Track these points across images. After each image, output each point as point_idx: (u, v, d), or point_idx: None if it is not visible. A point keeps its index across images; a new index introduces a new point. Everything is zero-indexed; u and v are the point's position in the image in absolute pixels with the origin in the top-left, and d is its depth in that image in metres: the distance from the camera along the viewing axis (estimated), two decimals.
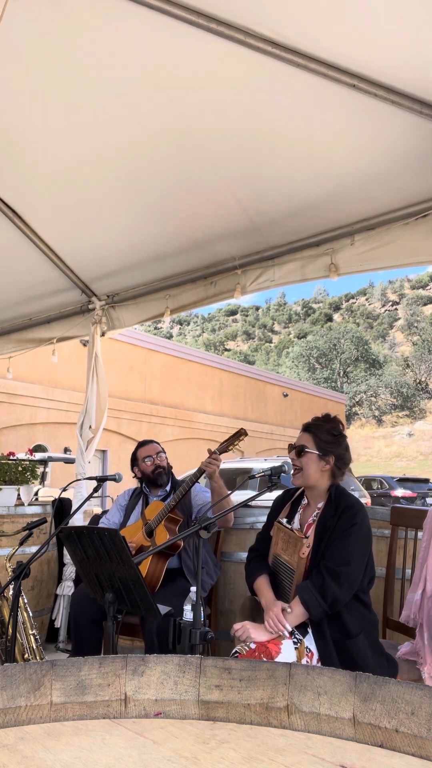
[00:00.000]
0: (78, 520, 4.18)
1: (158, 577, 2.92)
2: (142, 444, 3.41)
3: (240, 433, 2.83)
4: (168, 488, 3.32)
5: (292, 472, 2.37)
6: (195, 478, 2.97)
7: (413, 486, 18.47)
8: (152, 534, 3.04)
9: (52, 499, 4.33)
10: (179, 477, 3.60)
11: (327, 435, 2.33)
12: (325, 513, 2.27)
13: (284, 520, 2.39)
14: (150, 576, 2.90)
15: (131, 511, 3.33)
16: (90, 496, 3.00)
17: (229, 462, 12.95)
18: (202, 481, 3.13)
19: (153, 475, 3.27)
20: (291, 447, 2.38)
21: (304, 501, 2.42)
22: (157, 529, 3.02)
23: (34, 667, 1.04)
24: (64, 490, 3.15)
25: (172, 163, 3.11)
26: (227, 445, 2.86)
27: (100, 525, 3.38)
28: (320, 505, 2.32)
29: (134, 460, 3.37)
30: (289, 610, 2.12)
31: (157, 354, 20.67)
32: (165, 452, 3.40)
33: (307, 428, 2.38)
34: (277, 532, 2.38)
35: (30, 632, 2.76)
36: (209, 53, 2.42)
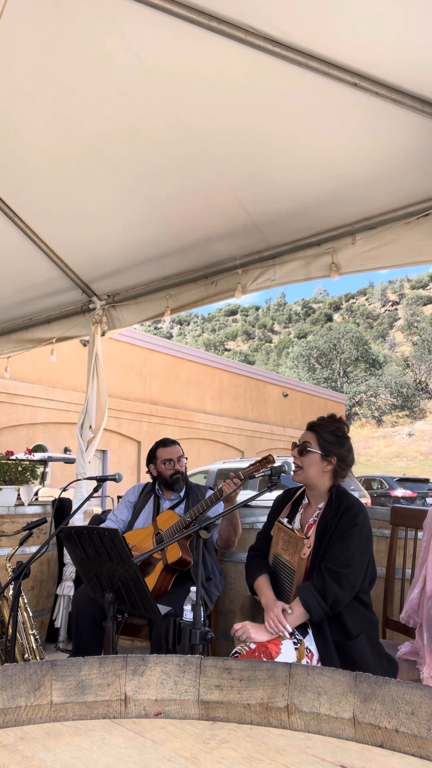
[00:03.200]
0: (78, 520, 4.18)
1: (164, 591, 2.90)
2: (163, 444, 3.28)
3: (267, 460, 2.68)
4: (182, 493, 3.25)
5: (293, 470, 2.37)
6: (215, 498, 2.88)
7: (413, 486, 18.46)
8: (161, 543, 2.97)
9: (52, 499, 4.33)
10: None
11: (330, 435, 2.32)
12: (325, 513, 2.27)
13: (285, 520, 2.38)
14: (156, 590, 2.87)
15: (140, 510, 3.26)
16: (90, 496, 2.99)
17: (229, 462, 12.96)
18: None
19: (171, 480, 3.20)
20: (294, 445, 2.38)
21: (305, 501, 2.42)
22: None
23: (34, 667, 1.04)
24: (64, 490, 3.15)
25: (172, 162, 3.11)
26: (252, 471, 2.71)
27: (107, 521, 3.34)
28: (321, 505, 2.32)
29: (152, 458, 3.27)
30: (289, 610, 2.12)
31: (157, 354, 20.68)
32: (186, 456, 3.29)
33: (311, 427, 2.37)
34: (277, 532, 2.37)
35: (30, 632, 2.76)
36: (210, 51, 2.42)
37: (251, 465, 2.74)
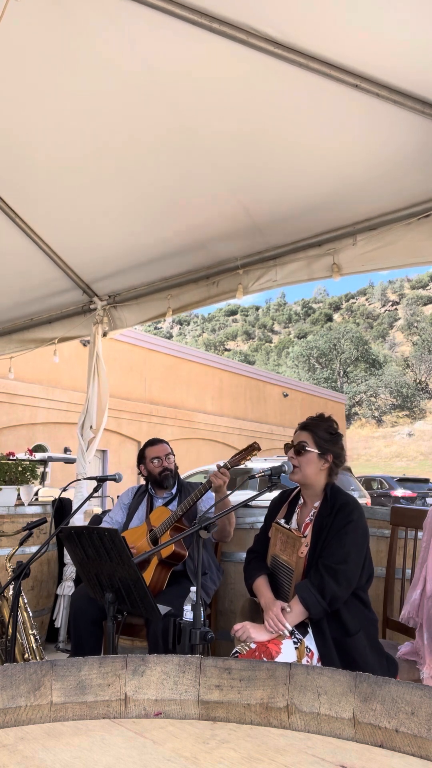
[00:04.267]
0: (78, 520, 4.18)
1: (161, 586, 2.91)
2: (151, 443, 3.34)
3: (252, 448, 2.74)
4: (174, 491, 3.28)
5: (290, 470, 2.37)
6: (204, 490, 2.92)
7: (413, 486, 18.45)
8: (157, 542, 3.00)
9: (52, 499, 4.33)
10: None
11: (325, 433, 2.35)
12: (321, 512, 2.27)
13: (282, 521, 2.39)
14: (153, 585, 2.87)
15: (134, 511, 3.29)
16: (90, 496, 2.99)
17: None
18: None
19: (160, 477, 3.23)
20: (289, 446, 2.38)
21: (301, 501, 2.42)
22: (162, 538, 2.98)
23: (34, 667, 1.04)
24: (64, 490, 3.15)
25: (174, 163, 3.11)
26: (239, 459, 2.77)
27: (103, 523, 3.36)
28: (317, 504, 2.33)
29: (141, 458, 3.32)
30: (288, 609, 2.12)
31: (157, 354, 20.67)
32: (174, 453, 3.34)
33: (305, 427, 2.39)
34: (275, 533, 2.38)
35: (30, 632, 2.76)
36: (212, 53, 2.42)
37: (237, 454, 2.78)
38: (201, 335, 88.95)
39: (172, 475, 3.26)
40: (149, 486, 3.35)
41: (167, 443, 3.35)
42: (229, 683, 1.05)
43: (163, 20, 2.30)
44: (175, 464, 3.32)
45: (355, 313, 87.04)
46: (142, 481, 3.43)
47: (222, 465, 2.83)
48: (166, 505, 3.22)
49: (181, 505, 2.99)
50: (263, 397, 25.76)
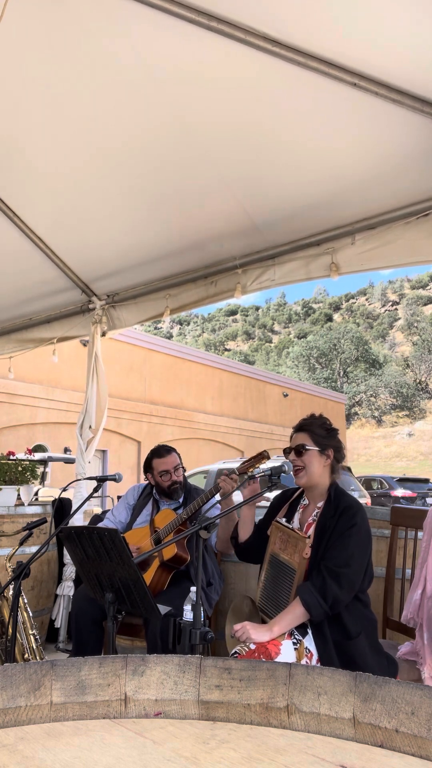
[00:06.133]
0: (78, 520, 4.18)
1: (161, 588, 2.90)
2: (158, 454, 3.22)
3: (262, 456, 2.71)
4: (181, 499, 3.23)
5: (292, 471, 2.36)
6: (210, 494, 2.89)
7: (413, 486, 18.45)
8: (160, 544, 2.97)
9: (52, 499, 4.33)
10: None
11: (321, 430, 2.37)
12: (324, 513, 2.27)
13: (283, 520, 2.39)
14: (153, 587, 2.86)
15: (139, 512, 3.25)
16: (90, 496, 2.99)
17: (229, 462, 12.96)
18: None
19: (168, 491, 3.17)
20: (288, 449, 2.38)
21: (304, 501, 2.42)
22: (165, 540, 2.96)
23: (34, 667, 1.04)
24: (64, 490, 3.15)
25: (172, 162, 3.11)
26: (248, 467, 2.72)
27: (105, 520, 3.34)
28: (320, 504, 2.32)
29: (148, 468, 3.23)
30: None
31: (157, 354, 20.67)
32: (183, 464, 3.24)
33: (300, 428, 2.41)
34: (275, 531, 2.38)
35: (30, 632, 2.75)
36: (210, 52, 2.42)
37: (246, 461, 2.76)
38: (201, 335, 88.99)
39: (181, 487, 3.19)
40: (155, 492, 3.29)
41: (175, 451, 3.25)
42: (229, 683, 1.05)
43: (162, 19, 2.30)
44: (184, 469, 3.25)
45: (355, 313, 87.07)
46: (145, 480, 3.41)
47: (231, 471, 2.81)
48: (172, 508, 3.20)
49: (187, 509, 2.96)
50: (263, 397, 25.75)
